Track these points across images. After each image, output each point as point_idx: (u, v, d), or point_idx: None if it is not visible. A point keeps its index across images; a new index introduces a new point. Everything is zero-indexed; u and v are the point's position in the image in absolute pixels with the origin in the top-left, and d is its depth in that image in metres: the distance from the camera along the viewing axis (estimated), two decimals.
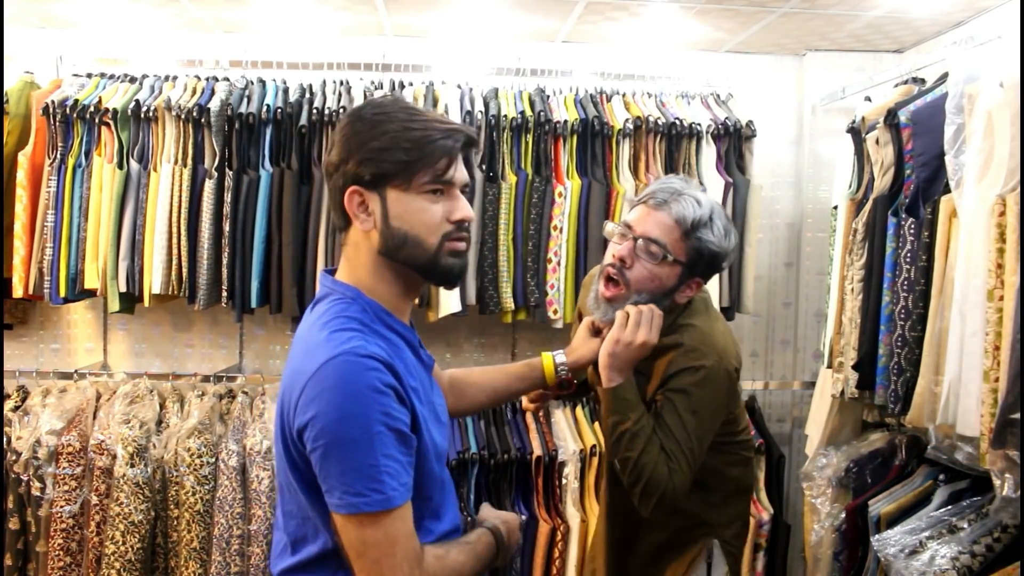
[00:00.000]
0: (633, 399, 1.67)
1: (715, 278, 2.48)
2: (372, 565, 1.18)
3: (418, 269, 1.30)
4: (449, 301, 2.81)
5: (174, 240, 2.79)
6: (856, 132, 2.62)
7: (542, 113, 2.88)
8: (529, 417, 3.03)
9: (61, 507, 2.74)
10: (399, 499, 1.17)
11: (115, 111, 2.80)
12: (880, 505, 2.44)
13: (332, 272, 1.37)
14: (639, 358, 1.67)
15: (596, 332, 1.79)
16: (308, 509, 1.25)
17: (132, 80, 2.97)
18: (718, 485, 1.86)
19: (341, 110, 2.80)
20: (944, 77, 2.35)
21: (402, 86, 3.03)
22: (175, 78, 2.97)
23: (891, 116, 2.34)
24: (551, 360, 1.77)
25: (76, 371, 3.04)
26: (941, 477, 2.41)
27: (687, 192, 1.68)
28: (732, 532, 1.90)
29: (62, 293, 2.82)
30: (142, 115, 2.82)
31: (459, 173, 1.30)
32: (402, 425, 1.19)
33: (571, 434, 2.96)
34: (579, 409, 3.06)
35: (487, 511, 1.49)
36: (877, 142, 2.44)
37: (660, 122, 2.91)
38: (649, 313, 1.65)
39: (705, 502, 1.84)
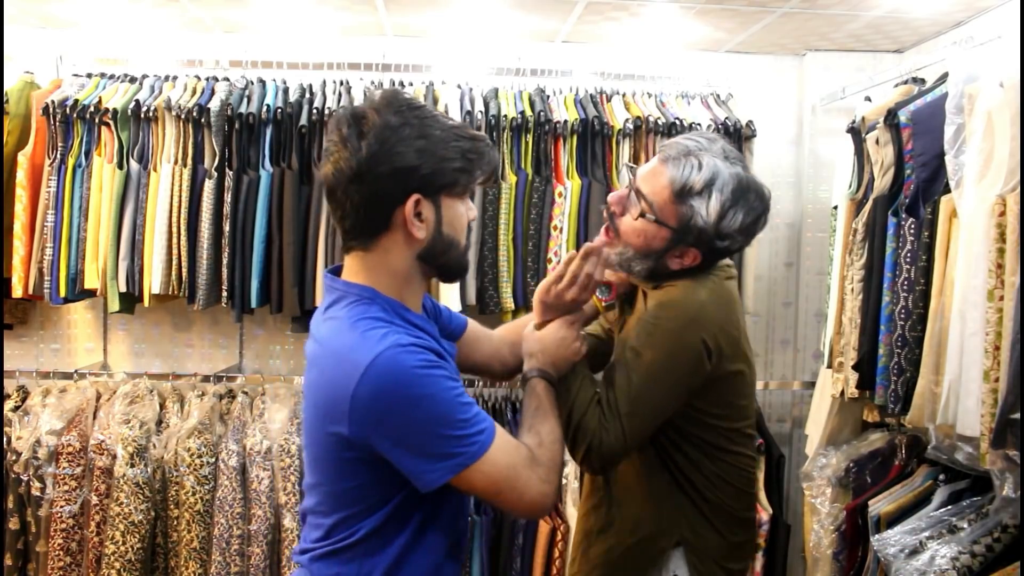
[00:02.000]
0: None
1: None
2: (510, 492, 1.27)
3: (448, 269, 1.36)
4: (449, 301, 2.81)
5: (174, 240, 2.79)
6: (856, 132, 2.62)
7: (542, 113, 2.88)
8: None
9: (61, 507, 2.74)
10: (490, 436, 1.25)
11: (115, 111, 2.80)
12: (880, 505, 2.44)
13: (336, 272, 1.36)
14: (572, 312, 1.59)
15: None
16: (356, 502, 1.29)
17: (132, 80, 2.97)
18: (693, 492, 1.59)
19: (341, 110, 2.79)
20: (944, 77, 2.35)
21: (402, 86, 3.03)
22: (175, 78, 2.97)
23: (891, 116, 2.34)
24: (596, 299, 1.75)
25: (76, 371, 3.04)
26: (941, 477, 2.40)
27: (695, 153, 1.53)
28: (706, 539, 1.60)
29: (62, 293, 2.82)
30: (142, 115, 2.82)
31: None
32: (459, 382, 1.27)
33: None
34: None
35: (531, 341, 1.54)
36: (877, 142, 2.44)
37: (660, 122, 2.91)
38: (585, 279, 1.56)
39: (673, 506, 1.60)
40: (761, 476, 2.97)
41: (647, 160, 2.91)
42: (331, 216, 1.34)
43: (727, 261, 1.67)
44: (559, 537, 2.78)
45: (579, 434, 1.50)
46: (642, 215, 1.55)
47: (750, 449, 1.67)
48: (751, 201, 1.55)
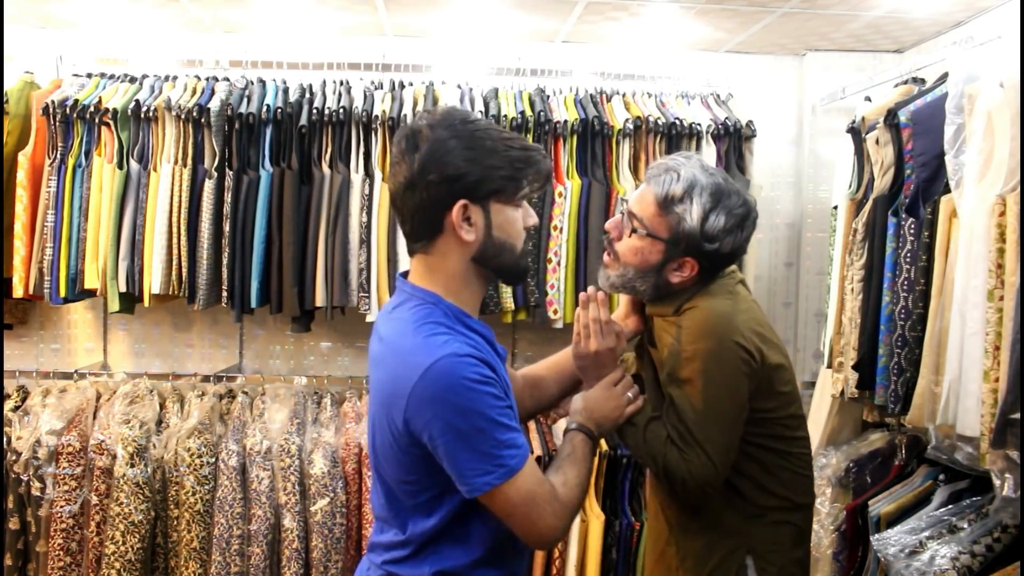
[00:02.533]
0: None
1: None
2: (523, 520, 1.34)
3: (504, 271, 1.45)
4: None
5: (174, 240, 2.79)
6: (856, 132, 2.62)
7: (542, 113, 2.88)
8: None
9: (61, 507, 2.74)
10: (520, 462, 1.31)
11: (115, 111, 2.80)
12: (880, 505, 2.44)
13: (405, 274, 1.45)
14: (607, 364, 1.66)
15: (640, 305, 1.80)
16: (415, 495, 1.37)
17: (132, 80, 2.97)
18: (755, 494, 1.67)
19: (341, 110, 2.80)
20: (944, 77, 2.35)
21: (402, 86, 3.03)
22: (175, 78, 2.97)
23: (891, 116, 2.34)
24: None
25: (76, 371, 3.04)
26: (941, 477, 2.41)
27: (673, 167, 1.66)
28: (772, 542, 1.68)
29: (62, 293, 2.83)
30: (142, 115, 2.82)
31: None
32: (506, 402, 1.33)
33: None
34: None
35: (576, 400, 1.62)
36: (877, 142, 2.44)
37: (660, 122, 2.91)
38: (594, 325, 1.64)
39: (738, 510, 1.67)
40: None
41: (647, 161, 2.93)
42: (398, 223, 1.46)
43: (731, 268, 1.75)
44: None
45: (668, 474, 1.60)
46: (634, 231, 1.67)
47: (804, 429, 1.79)
48: (732, 204, 1.66)
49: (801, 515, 1.75)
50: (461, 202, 1.34)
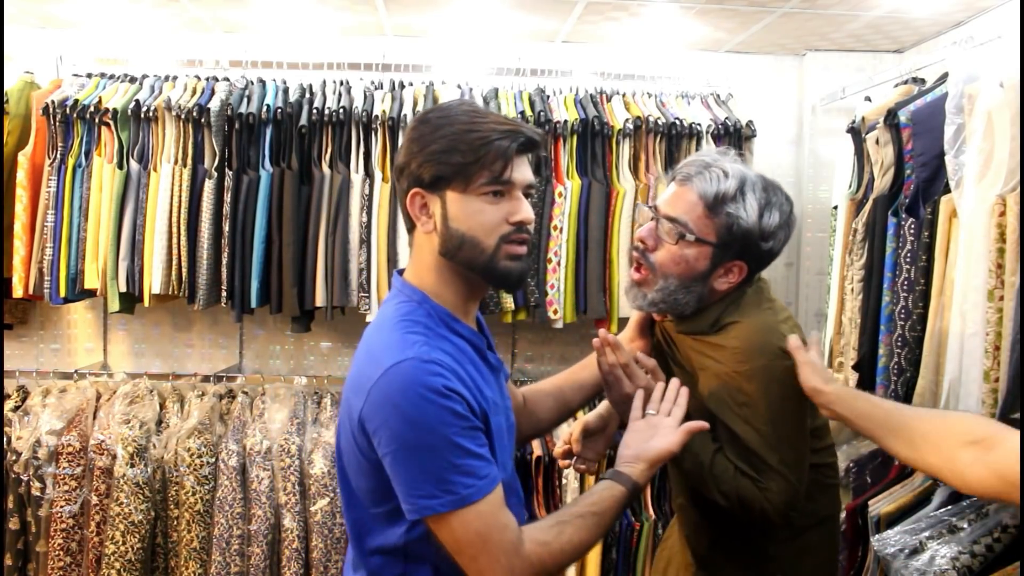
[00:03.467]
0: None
1: None
2: (470, 561, 1.20)
3: (476, 271, 1.30)
4: None
5: (174, 240, 2.79)
6: (856, 132, 2.62)
7: (542, 113, 2.88)
8: None
9: (61, 507, 2.74)
10: (476, 495, 1.18)
11: (115, 111, 2.80)
12: (880, 505, 2.44)
13: (402, 272, 1.38)
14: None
15: (649, 324, 1.68)
16: (376, 503, 1.27)
17: (132, 80, 2.97)
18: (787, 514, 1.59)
19: (341, 110, 2.80)
20: (944, 77, 2.35)
21: (402, 86, 3.03)
22: (175, 78, 2.97)
23: (891, 116, 2.34)
24: None
25: (76, 371, 3.04)
26: None
27: (716, 164, 1.52)
28: (805, 567, 1.64)
29: (62, 293, 2.83)
30: (142, 115, 2.82)
31: (518, 174, 1.28)
32: (470, 423, 1.20)
33: None
34: (580, 410, 3.06)
35: (631, 437, 1.39)
36: (877, 142, 2.44)
37: (660, 122, 2.91)
38: (618, 371, 1.48)
39: (769, 536, 1.59)
40: None
41: (647, 161, 2.93)
42: None
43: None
44: None
45: (744, 507, 1.48)
46: (681, 237, 1.50)
47: (830, 436, 1.70)
48: (780, 198, 1.56)
49: (826, 529, 1.68)
50: (413, 191, 1.29)
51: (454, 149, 1.24)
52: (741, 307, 1.56)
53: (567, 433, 1.73)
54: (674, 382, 1.47)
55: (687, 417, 1.42)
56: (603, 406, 1.74)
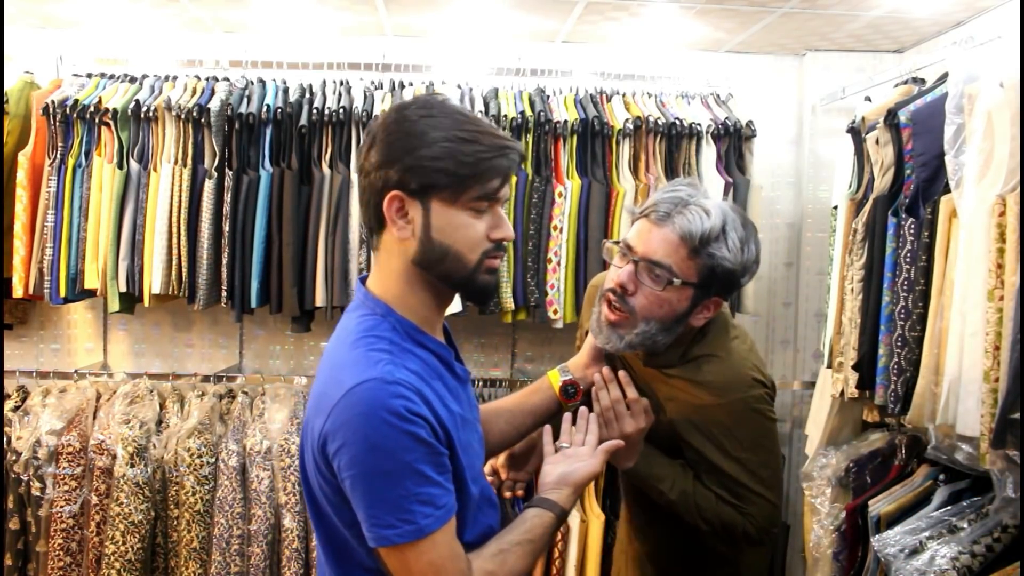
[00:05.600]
0: (657, 471, 1.56)
1: None
2: None
3: (453, 284, 1.26)
4: None
5: (174, 240, 2.79)
6: (856, 132, 2.62)
7: (542, 113, 2.88)
8: None
9: (61, 507, 2.74)
10: (434, 525, 1.15)
11: (115, 111, 2.80)
12: (880, 505, 2.44)
13: (364, 279, 1.32)
14: (638, 443, 1.56)
15: (604, 351, 1.66)
16: (340, 525, 1.23)
17: (132, 80, 2.97)
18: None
19: (341, 110, 2.80)
20: (944, 77, 2.35)
21: (402, 86, 3.03)
22: (175, 78, 2.97)
23: (891, 116, 2.34)
24: (557, 377, 1.66)
25: (76, 371, 3.04)
26: (941, 477, 2.40)
27: (694, 202, 1.47)
28: (756, 568, 1.75)
29: (62, 293, 2.82)
30: (142, 115, 2.82)
31: (505, 190, 1.25)
32: (433, 449, 1.16)
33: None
34: (580, 410, 3.06)
35: (550, 467, 1.40)
36: (877, 142, 2.44)
37: (660, 122, 2.91)
38: (620, 407, 1.52)
39: (732, 544, 1.65)
40: None
41: (647, 161, 2.93)
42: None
43: None
44: (559, 537, 2.78)
45: (728, 532, 1.55)
46: (669, 283, 1.46)
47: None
48: (752, 230, 1.53)
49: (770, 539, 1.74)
50: (392, 193, 1.19)
51: (449, 158, 1.18)
52: (708, 337, 1.57)
53: (490, 463, 1.69)
54: (582, 411, 1.48)
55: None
56: None
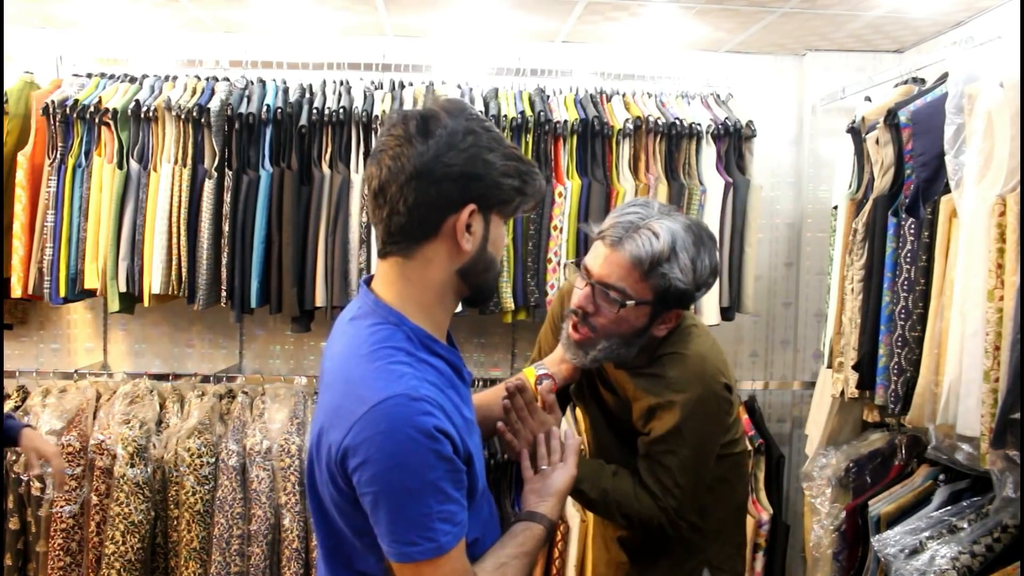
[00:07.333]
0: (578, 471, 1.54)
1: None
2: None
3: (482, 289, 1.29)
4: None
5: (174, 240, 2.79)
6: (856, 132, 2.62)
7: (542, 113, 2.88)
8: None
9: (61, 507, 2.74)
10: (452, 542, 1.16)
11: (115, 111, 2.80)
12: (880, 505, 2.44)
13: (369, 281, 1.30)
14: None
15: None
16: (349, 533, 1.24)
17: (132, 80, 2.97)
18: (712, 510, 1.76)
19: (341, 110, 2.80)
20: (944, 77, 2.35)
21: (402, 86, 3.03)
22: (175, 78, 2.97)
23: (891, 116, 2.34)
24: (532, 373, 1.70)
25: (76, 371, 3.04)
26: (941, 477, 2.40)
27: (644, 224, 1.52)
28: (724, 555, 1.82)
29: (62, 293, 2.82)
30: (142, 115, 2.82)
31: None
32: (453, 465, 1.16)
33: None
34: (579, 410, 3.06)
35: (531, 485, 1.45)
36: (877, 142, 2.44)
37: (660, 122, 2.91)
38: (523, 413, 1.53)
39: (701, 533, 1.74)
40: (761, 476, 2.97)
41: (647, 161, 2.93)
42: (371, 217, 1.23)
43: None
44: (559, 537, 2.78)
45: (644, 523, 1.62)
46: (622, 306, 1.53)
47: (739, 445, 1.82)
48: (706, 241, 1.58)
49: (741, 515, 1.87)
50: (471, 207, 1.18)
51: (516, 176, 1.22)
52: (679, 338, 1.65)
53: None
54: (554, 432, 1.52)
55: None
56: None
